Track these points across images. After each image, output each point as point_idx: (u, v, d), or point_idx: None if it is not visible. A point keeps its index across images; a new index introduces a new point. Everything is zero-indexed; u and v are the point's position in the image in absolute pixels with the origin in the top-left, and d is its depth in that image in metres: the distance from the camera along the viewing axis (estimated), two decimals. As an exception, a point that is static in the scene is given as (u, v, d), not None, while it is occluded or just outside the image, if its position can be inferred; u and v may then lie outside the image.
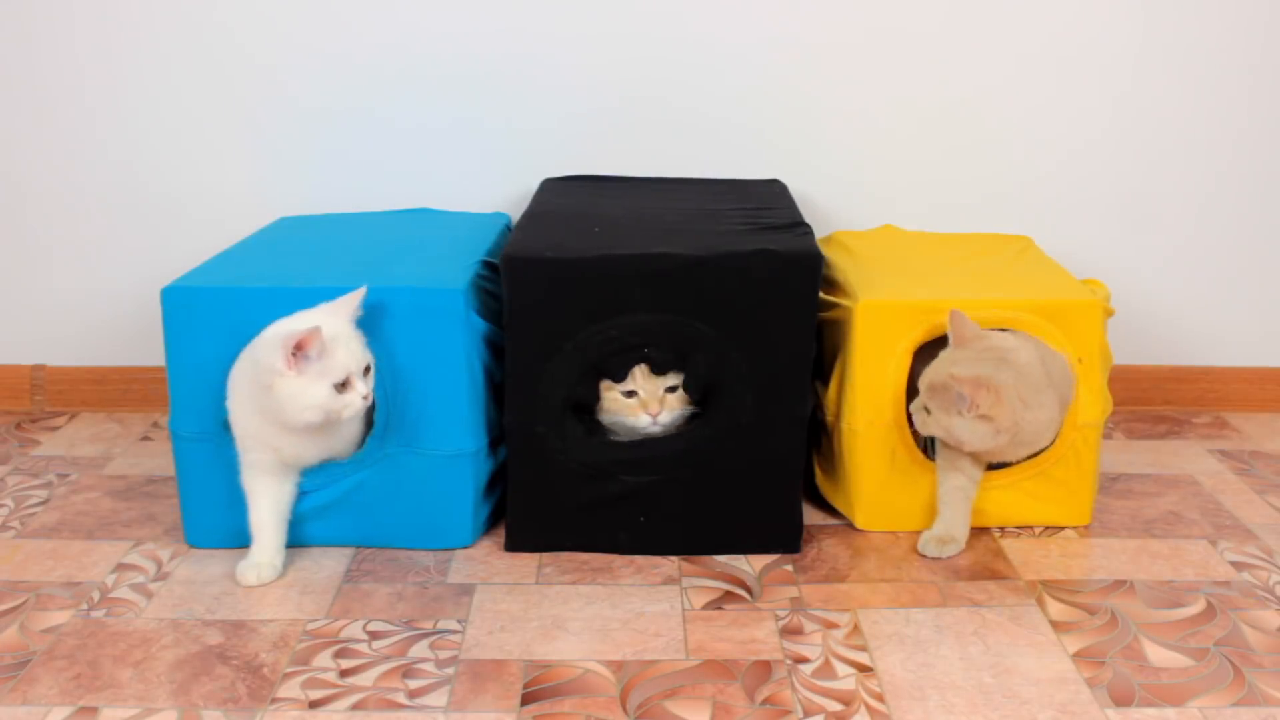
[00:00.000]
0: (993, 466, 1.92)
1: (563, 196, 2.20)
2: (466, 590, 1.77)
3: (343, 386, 1.70)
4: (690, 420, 1.90)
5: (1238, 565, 1.85)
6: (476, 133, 2.36)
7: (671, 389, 1.87)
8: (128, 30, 2.31)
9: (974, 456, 1.87)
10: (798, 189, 2.32)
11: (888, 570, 1.83)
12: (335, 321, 1.71)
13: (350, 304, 1.74)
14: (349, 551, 1.88)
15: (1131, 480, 2.15)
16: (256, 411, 1.74)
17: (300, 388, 1.68)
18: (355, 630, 1.67)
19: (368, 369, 1.74)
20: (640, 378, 1.86)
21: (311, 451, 1.80)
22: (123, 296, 2.41)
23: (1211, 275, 2.45)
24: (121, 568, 1.83)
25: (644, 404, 1.86)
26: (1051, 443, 1.89)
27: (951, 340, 1.82)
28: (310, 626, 1.67)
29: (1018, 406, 1.77)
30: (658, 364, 1.86)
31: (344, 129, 2.36)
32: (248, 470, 1.80)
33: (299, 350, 1.66)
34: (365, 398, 1.72)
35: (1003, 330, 1.86)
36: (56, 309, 2.45)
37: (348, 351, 1.70)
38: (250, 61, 2.33)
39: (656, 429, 1.86)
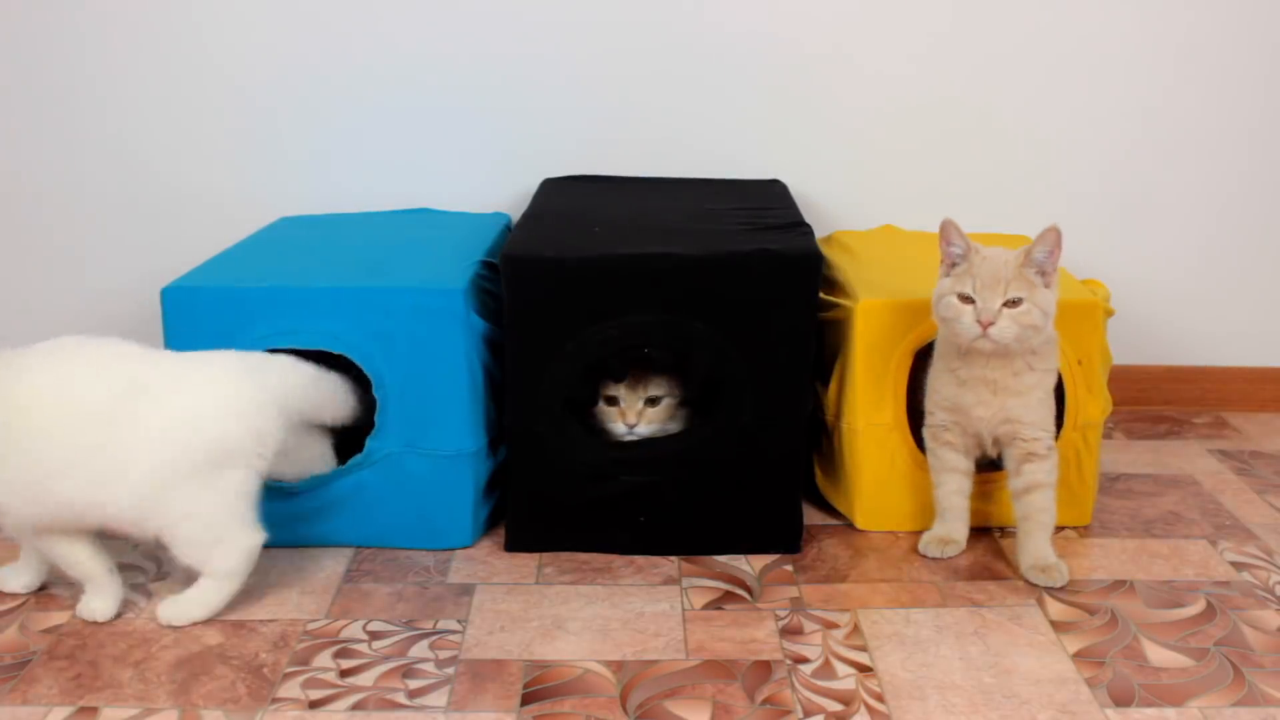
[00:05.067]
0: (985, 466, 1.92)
1: (563, 196, 2.20)
2: (466, 590, 1.77)
3: None
4: (688, 421, 1.90)
5: (1238, 565, 1.85)
6: (476, 133, 2.36)
7: (653, 400, 1.88)
8: (127, 30, 2.31)
9: (964, 450, 1.85)
10: (798, 189, 2.32)
11: (888, 570, 1.83)
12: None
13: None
14: (349, 551, 1.88)
15: (1131, 480, 2.15)
16: None
17: None
18: (355, 630, 1.67)
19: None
20: (624, 386, 1.87)
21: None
22: (123, 296, 2.41)
23: (1211, 275, 2.45)
24: (121, 567, 1.83)
25: (622, 413, 1.88)
26: None
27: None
28: (310, 626, 1.67)
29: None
30: (656, 365, 1.86)
31: (344, 129, 2.36)
32: None
33: None
34: None
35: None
36: (56, 309, 2.45)
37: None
38: (250, 61, 2.33)
39: (633, 437, 1.88)
